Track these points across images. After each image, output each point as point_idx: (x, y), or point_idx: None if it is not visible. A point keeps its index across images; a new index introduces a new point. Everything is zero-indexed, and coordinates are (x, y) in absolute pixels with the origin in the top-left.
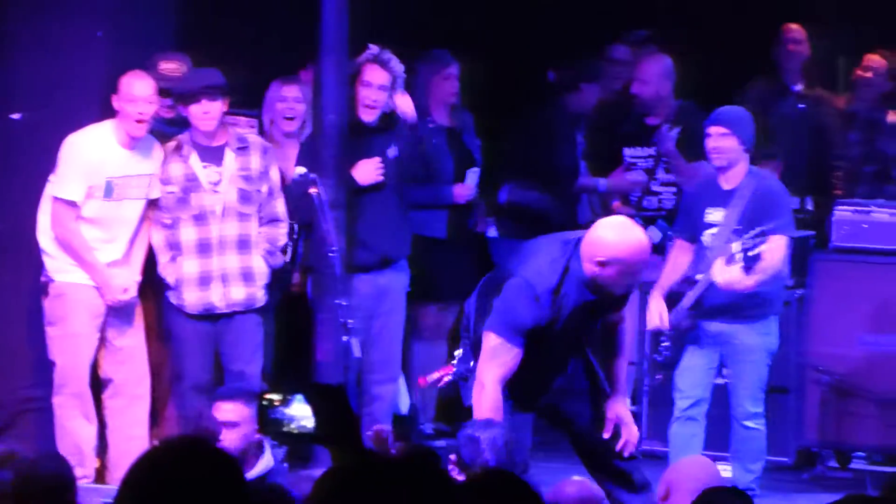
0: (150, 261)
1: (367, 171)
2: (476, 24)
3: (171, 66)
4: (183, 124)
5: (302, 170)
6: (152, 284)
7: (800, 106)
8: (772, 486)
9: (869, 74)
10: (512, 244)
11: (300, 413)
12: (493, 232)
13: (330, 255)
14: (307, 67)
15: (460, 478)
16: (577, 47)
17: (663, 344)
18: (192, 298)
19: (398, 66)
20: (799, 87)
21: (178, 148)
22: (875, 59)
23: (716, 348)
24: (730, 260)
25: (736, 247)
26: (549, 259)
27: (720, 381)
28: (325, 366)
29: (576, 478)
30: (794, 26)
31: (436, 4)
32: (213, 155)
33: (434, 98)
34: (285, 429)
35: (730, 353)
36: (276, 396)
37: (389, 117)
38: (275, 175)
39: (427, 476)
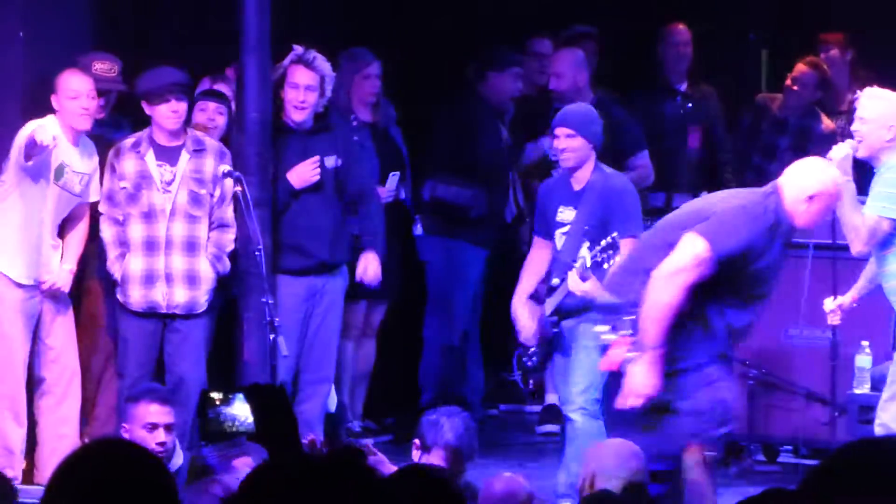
0: (100, 257)
1: (303, 173)
2: (401, 14)
3: (104, 67)
4: (115, 126)
5: (226, 168)
6: (98, 280)
7: (688, 105)
8: None
9: (795, 87)
10: (436, 241)
11: (241, 412)
12: (418, 230)
13: (255, 253)
14: (232, 65)
15: (422, 460)
16: (503, 39)
17: (531, 350)
18: (136, 296)
19: (325, 66)
20: (684, 87)
21: (136, 144)
22: (802, 69)
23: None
24: (583, 271)
25: (586, 255)
26: (757, 202)
27: None
28: (251, 365)
29: (506, 474)
30: (679, 27)
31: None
32: (169, 155)
33: (356, 97)
34: (225, 428)
35: (572, 349)
36: (217, 395)
37: (324, 118)
38: (228, 181)
39: (353, 474)
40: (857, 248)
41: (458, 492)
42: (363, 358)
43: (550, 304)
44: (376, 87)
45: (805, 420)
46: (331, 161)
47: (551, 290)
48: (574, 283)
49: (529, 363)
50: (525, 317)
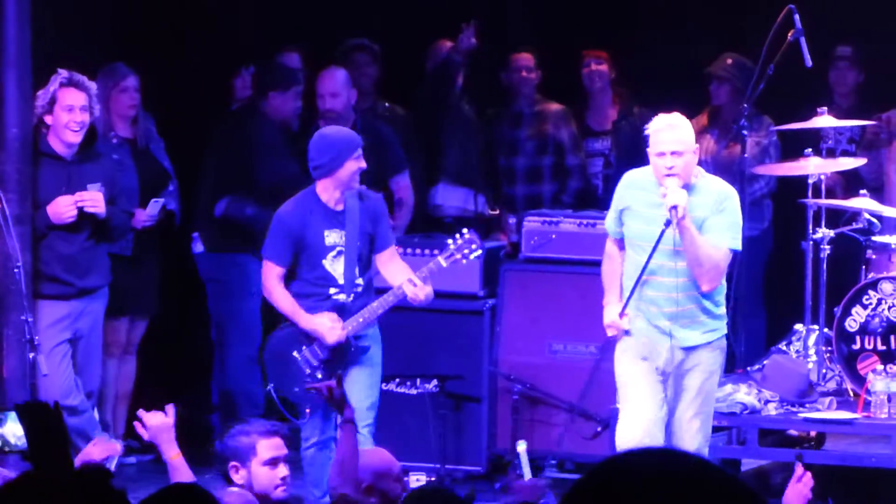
0: None
1: (61, 211)
2: (159, 30)
3: None
4: None
5: None
6: None
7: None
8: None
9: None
10: (224, 258)
11: (13, 431)
12: (199, 247)
13: (14, 270)
14: None
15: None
16: (260, 52)
17: (316, 376)
18: None
19: (91, 85)
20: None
21: None
22: (522, 54)
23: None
24: (425, 278)
25: (443, 261)
26: None
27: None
28: (11, 382)
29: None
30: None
31: (122, 14)
32: None
33: (114, 112)
34: None
35: (353, 366)
36: None
37: (90, 145)
38: None
39: (99, 494)
40: (714, 284)
41: None
42: (125, 375)
43: (355, 325)
44: (135, 100)
45: (569, 434)
46: (95, 189)
47: (344, 311)
48: (417, 289)
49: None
50: (330, 322)
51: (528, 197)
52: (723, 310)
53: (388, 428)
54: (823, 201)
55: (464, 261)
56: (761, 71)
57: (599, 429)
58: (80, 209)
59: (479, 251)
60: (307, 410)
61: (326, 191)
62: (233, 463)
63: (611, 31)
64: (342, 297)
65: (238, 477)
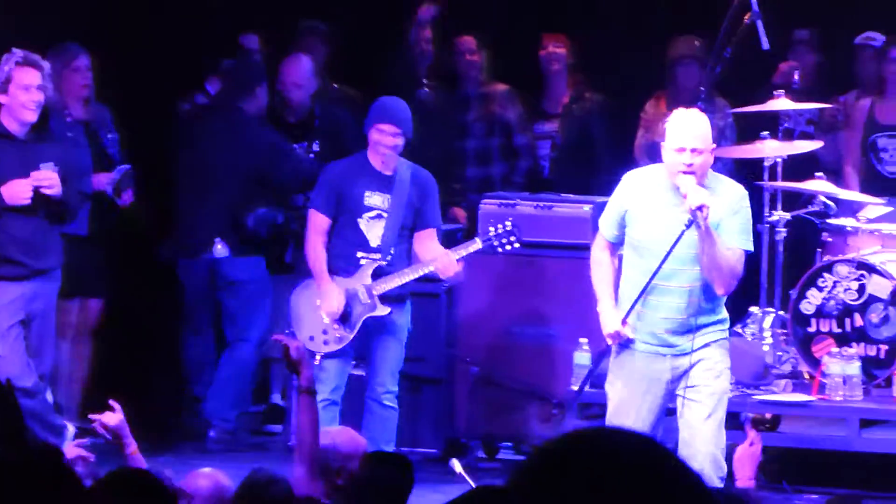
0: None
1: (17, 193)
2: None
3: None
4: None
5: None
6: None
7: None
8: (420, 477)
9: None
10: (247, 261)
11: None
12: (222, 252)
13: None
14: None
15: None
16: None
17: (333, 327)
18: None
19: (46, 64)
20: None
21: None
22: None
23: (364, 334)
24: (459, 254)
25: (479, 243)
26: None
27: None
28: None
29: (206, 470)
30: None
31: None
32: None
33: (67, 92)
34: None
35: (379, 333)
36: None
37: (45, 125)
38: None
39: (55, 476)
40: (730, 288)
41: (170, 493)
42: (79, 358)
43: (381, 288)
44: (87, 79)
45: (525, 417)
46: (48, 168)
47: (378, 273)
48: (447, 267)
49: (327, 342)
50: (334, 287)
51: (478, 179)
52: (725, 313)
53: (346, 409)
54: (779, 184)
55: (499, 249)
56: (718, 54)
57: (556, 411)
58: (36, 190)
59: (518, 244)
60: (317, 359)
61: (371, 153)
62: None
63: (568, 17)
64: (375, 258)
65: None
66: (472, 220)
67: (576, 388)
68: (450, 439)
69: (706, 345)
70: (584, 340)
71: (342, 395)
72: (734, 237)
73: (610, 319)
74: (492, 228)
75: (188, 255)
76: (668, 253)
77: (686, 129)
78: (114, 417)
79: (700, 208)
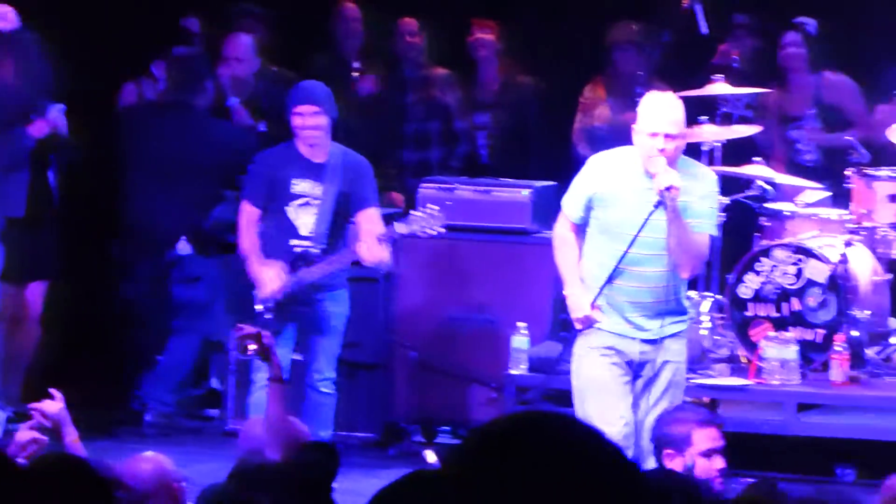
0: None
1: None
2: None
3: None
4: None
5: None
6: None
7: (357, 80)
8: (358, 462)
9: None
10: (210, 259)
11: None
12: (186, 249)
13: None
14: None
15: None
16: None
17: (266, 317)
18: None
19: None
20: (357, 64)
21: None
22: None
23: (301, 322)
24: (382, 238)
25: (401, 228)
26: None
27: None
28: None
29: (149, 453)
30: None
31: None
32: None
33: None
34: None
35: (315, 321)
36: None
37: None
38: None
39: None
40: (695, 270)
41: (102, 477)
42: (21, 341)
43: (311, 275)
44: None
45: (463, 401)
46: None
47: (306, 260)
48: (372, 250)
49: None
50: (274, 269)
51: (417, 162)
52: (687, 301)
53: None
54: (718, 168)
55: (423, 233)
56: (657, 38)
57: (494, 395)
58: None
59: (442, 228)
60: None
61: (298, 140)
62: (667, 451)
63: (508, 1)
64: (306, 246)
65: (674, 465)
66: (410, 203)
67: (514, 371)
68: (388, 424)
69: (672, 335)
70: (522, 325)
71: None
72: (702, 221)
73: (579, 303)
74: (416, 212)
75: (149, 253)
76: (637, 234)
77: (661, 114)
78: (54, 406)
79: (669, 189)
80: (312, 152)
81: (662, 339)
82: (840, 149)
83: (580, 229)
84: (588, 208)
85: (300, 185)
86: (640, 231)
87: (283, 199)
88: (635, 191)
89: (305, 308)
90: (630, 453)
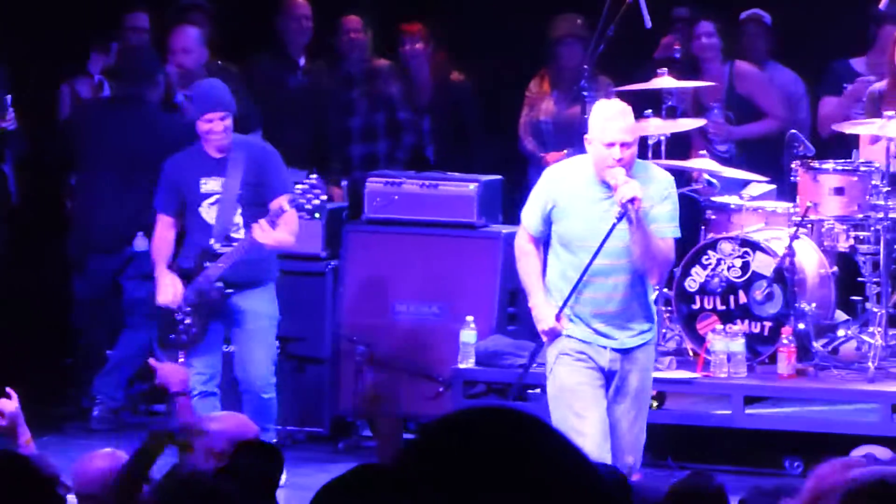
0: None
1: None
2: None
3: None
4: None
5: None
6: None
7: (304, 80)
8: (306, 456)
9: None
10: None
11: None
12: (143, 245)
13: None
14: None
15: None
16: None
17: (185, 322)
18: None
19: None
20: (303, 61)
21: None
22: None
23: (224, 320)
24: (272, 220)
25: (285, 204)
26: None
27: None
28: None
29: (106, 450)
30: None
31: None
32: None
33: None
34: None
35: (241, 324)
36: None
37: None
38: None
39: None
40: (664, 276)
41: (46, 474)
42: None
43: (220, 267)
44: None
45: (411, 395)
46: None
47: (210, 256)
48: (264, 234)
49: (185, 337)
50: (171, 278)
51: (364, 156)
52: (654, 307)
53: (230, 389)
54: (663, 162)
55: (308, 205)
56: (601, 32)
57: (441, 389)
58: None
59: (325, 197)
60: (180, 358)
61: (204, 142)
62: None
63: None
64: (213, 243)
65: None
66: (358, 197)
67: (462, 366)
68: (336, 418)
69: (640, 345)
70: (470, 319)
71: (219, 383)
72: (664, 225)
73: (544, 315)
74: (298, 187)
75: (105, 251)
76: (600, 247)
77: (614, 124)
78: (10, 405)
79: (632, 201)
80: (217, 151)
81: (631, 349)
82: (771, 141)
83: (541, 242)
84: (547, 221)
85: (209, 184)
86: (603, 243)
87: (195, 201)
88: (592, 200)
89: (221, 304)
90: (607, 460)
